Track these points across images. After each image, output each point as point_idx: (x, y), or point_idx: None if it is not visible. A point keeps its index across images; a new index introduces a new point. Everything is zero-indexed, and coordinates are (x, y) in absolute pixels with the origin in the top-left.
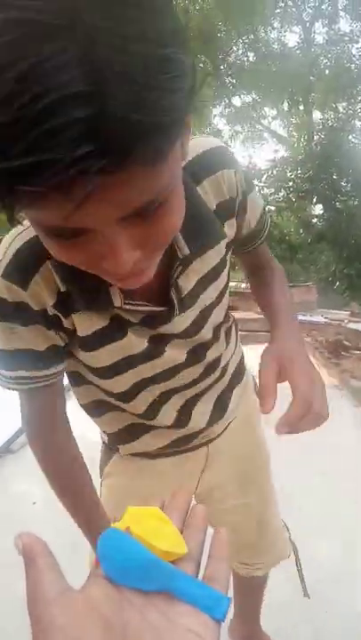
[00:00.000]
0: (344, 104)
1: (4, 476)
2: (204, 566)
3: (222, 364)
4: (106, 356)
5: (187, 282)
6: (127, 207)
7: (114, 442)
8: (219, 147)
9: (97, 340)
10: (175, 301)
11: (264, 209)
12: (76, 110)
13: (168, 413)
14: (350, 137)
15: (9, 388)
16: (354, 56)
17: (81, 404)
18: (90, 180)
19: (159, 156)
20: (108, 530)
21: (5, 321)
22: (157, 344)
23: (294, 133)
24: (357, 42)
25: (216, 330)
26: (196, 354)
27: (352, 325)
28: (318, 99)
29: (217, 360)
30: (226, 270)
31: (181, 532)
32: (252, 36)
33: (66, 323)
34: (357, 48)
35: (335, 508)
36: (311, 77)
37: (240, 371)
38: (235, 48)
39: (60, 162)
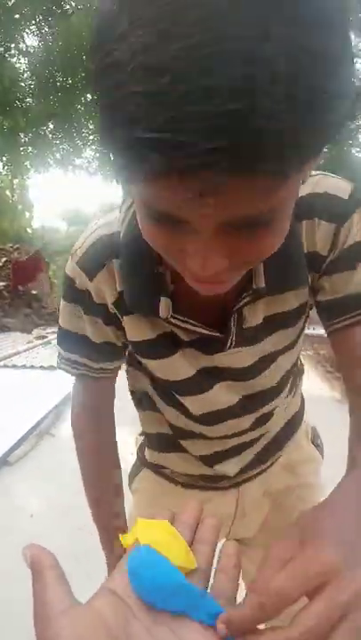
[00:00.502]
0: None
1: (1, 488)
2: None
3: (274, 415)
4: (155, 368)
5: (252, 315)
6: (236, 213)
7: (147, 444)
8: (337, 195)
9: (145, 351)
10: (233, 330)
11: None
12: (232, 102)
13: (197, 449)
14: (353, 151)
15: (60, 368)
16: (359, 71)
17: (130, 390)
18: (217, 174)
19: (289, 170)
20: (139, 547)
21: (73, 302)
22: (207, 377)
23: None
24: None
25: (283, 379)
26: (251, 401)
27: None
28: None
29: (271, 412)
30: (301, 322)
31: (191, 546)
32: None
33: (122, 322)
34: None
35: None
36: None
37: (294, 423)
38: None
39: (198, 147)
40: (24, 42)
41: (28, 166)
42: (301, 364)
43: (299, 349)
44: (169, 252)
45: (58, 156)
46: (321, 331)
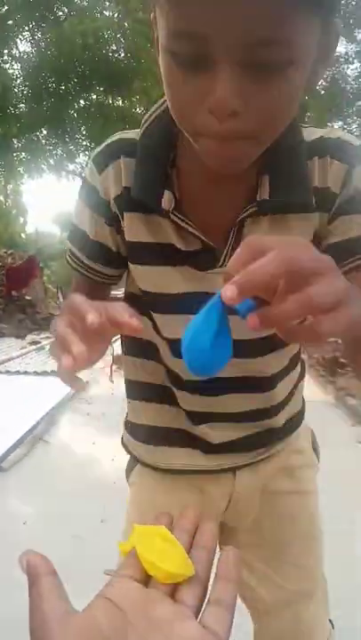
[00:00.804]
0: (340, 122)
1: None
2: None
3: (274, 390)
4: (147, 279)
5: (253, 232)
6: (252, 33)
7: (131, 414)
8: (349, 141)
9: (140, 255)
10: (231, 241)
11: None
12: None
13: (188, 402)
14: None
15: (66, 260)
16: (349, 77)
17: (130, 340)
18: None
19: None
20: None
21: (81, 198)
22: (197, 303)
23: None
24: (353, 63)
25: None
26: (242, 347)
27: None
28: (314, 118)
29: (263, 382)
30: None
31: (189, 552)
32: None
33: (122, 224)
34: (352, 69)
35: (331, 528)
36: (306, 97)
37: (296, 421)
38: None
39: None
40: (17, 48)
41: (22, 172)
42: (302, 360)
43: None
44: (191, 105)
45: (51, 161)
46: None
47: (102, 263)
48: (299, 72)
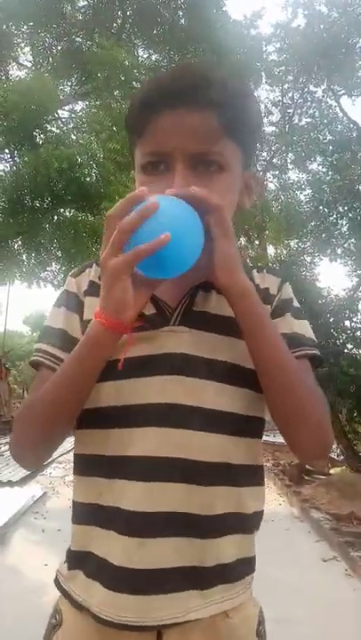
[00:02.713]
0: (295, 240)
1: None
2: None
3: (216, 507)
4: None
5: (203, 300)
6: (195, 145)
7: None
8: (275, 267)
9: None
10: (182, 304)
11: (306, 336)
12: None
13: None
14: (301, 270)
15: (30, 361)
16: (302, 201)
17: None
18: (181, 114)
19: (225, 126)
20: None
21: (58, 304)
22: (148, 365)
23: (250, 264)
24: (305, 190)
25: (224, 422)
26: (184, 416)
27: None
28: (270, 236)
29: (205, 468)
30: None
31: None
32: None
33: (85, 305)
34: (305, 195)
35: None
36: (266, 218)
37: (242, 566)
38: None
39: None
40: None
41: None
42: (261, 473)
43: (252, 405)
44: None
45: (24, 269)
46: (281, 438)
47: (65, 350)
48: (231, 178)
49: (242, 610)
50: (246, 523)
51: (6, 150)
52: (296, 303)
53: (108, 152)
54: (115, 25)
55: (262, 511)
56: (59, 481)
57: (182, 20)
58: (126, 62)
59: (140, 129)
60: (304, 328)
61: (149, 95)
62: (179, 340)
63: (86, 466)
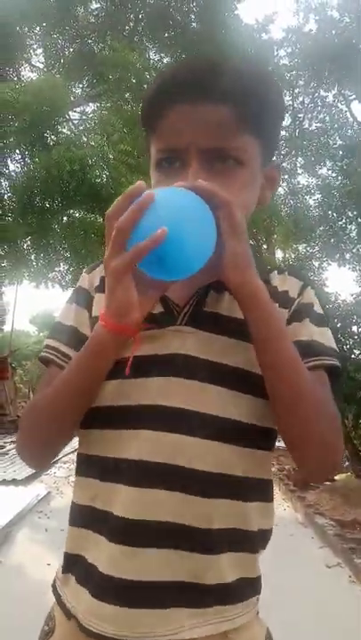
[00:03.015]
0: (304, 245)
1: None
2: None
3: (217, 523)
4: None
5: (214, 301)
6: (211, 139)
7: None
8: (301, 270)
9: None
10: (191, 303)
11: (326, 345)
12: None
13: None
14: (309, 274)
15: (39, 357)
16: (311, 206)
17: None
18: (198, 107)
19: (244, 118)
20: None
21: (69, 300)
22: (153, 365)
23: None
24: (314, 194)
25: (227, 428)
26: (186, 422)
27: None
28: (279, 240)
29: (207, 484)
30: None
31: None
32: None
33: (94, 301)
34: (314, 199)
35: None
36: (274, 222)
37: (246, 586)
38: None
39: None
40: (7, 167)
41: (3, 277)
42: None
43: (260, 409)
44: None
45: (32, 269)
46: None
47: (73, 348)
48: (249, 173)
49: (245, 630)
50: (250, 541)
51: (17, 151)
52: (318, 309)
53: (118, 154)
54: (127, 27)
55: (270, 530)
56: (63, 481)
57: (194, 24)
58: (138, 65)
59: (154, 124)
60: (324, 336)
61: (161, 89)
62: (184, 341)
63: (85, 466)
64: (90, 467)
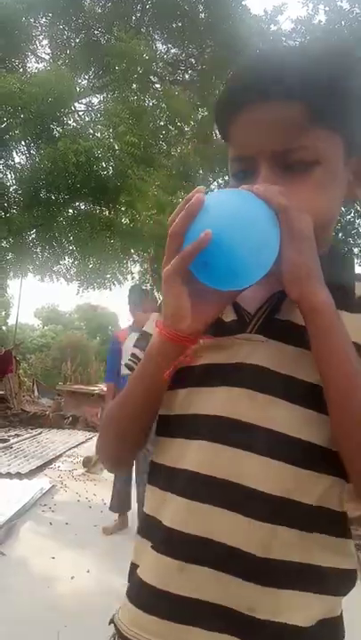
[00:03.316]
0: None
1: None
2: None
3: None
4: None
5: (288, 310)
6: (281, 141)
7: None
8: None
9: None
10: (264, 310)
11: None
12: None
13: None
14: None
15: (125, 364)
16: None
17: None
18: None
19: (315, 113)
20: None
21: (157, 310)
22: (215, 371)
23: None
24: None
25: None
26: (251, 437)
27: None
28: None
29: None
30: None
31: None
32: (226, 177)
33: None
34: None
35: None
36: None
37: (313, 634)
38: (211, 187)
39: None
40: (12, 159)
41: (8, 270)
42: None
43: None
44: None
45: (37, 262)
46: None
47: None
48: (327, 171)
49: None
50: (319, 579)
51: (23, 143)
52: None
53: (125, 145)
54: (133, 18)
55: (347, 570)
56: (67, 474)
57: (202, 14)
58: (145, 55)
59: (225, 133)
60: None
61: (226, 94)
62: (253, 350)
63: (151, 473)
64: (154, 474)
